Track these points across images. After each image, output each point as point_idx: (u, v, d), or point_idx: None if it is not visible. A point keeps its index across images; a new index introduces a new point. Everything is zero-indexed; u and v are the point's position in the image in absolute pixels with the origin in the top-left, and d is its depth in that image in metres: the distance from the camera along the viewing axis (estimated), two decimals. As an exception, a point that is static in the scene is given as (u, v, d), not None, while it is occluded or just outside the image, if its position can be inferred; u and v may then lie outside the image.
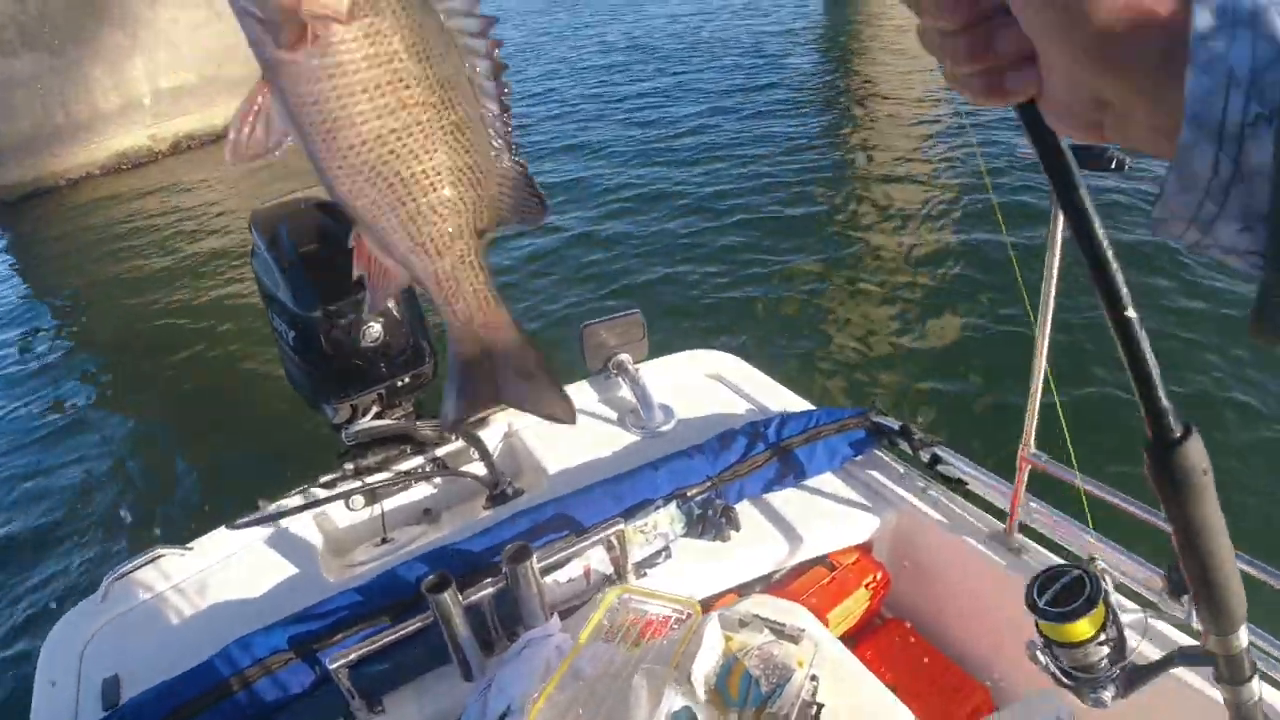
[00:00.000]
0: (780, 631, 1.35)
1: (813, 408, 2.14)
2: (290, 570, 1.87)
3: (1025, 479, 1.67)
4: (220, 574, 1.89)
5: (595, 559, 1.62)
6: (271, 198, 2.23)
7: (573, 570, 1.59)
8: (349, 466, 2.02)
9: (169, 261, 8.18)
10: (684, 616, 1.35)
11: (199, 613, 1.79)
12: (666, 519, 1.72)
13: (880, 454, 2.03)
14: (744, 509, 1.85)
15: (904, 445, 1.98)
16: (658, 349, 2.43)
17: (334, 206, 2.17)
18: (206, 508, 4.18)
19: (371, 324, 1.95)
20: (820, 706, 1.27)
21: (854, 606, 1.86)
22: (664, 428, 2.14)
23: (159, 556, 1.94)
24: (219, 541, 1.97)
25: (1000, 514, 1.77)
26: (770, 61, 12.66)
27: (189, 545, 1.97)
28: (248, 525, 1.94)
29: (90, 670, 1.68)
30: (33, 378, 6.45)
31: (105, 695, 1.58)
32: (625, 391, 2.28)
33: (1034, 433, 1.60)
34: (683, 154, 8.75)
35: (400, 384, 2.01)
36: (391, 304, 1.99)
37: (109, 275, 8.39)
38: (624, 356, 2.29)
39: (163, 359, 6.16)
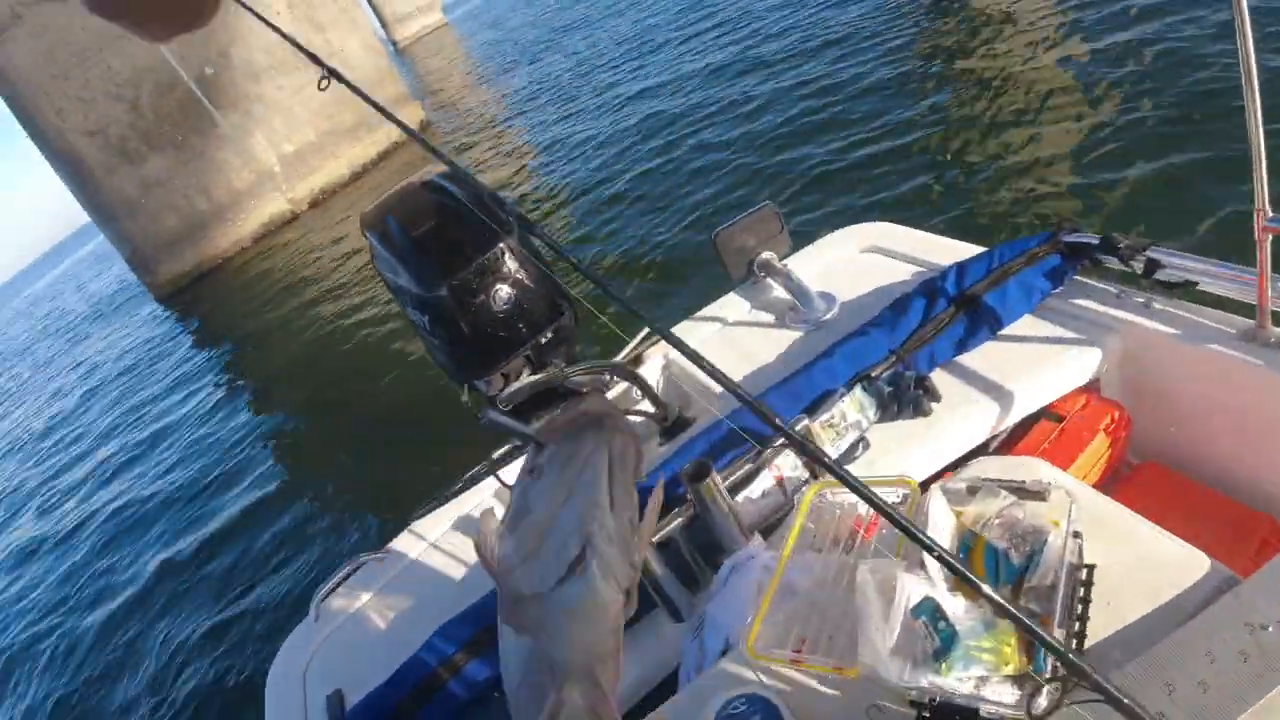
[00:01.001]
0: (1021, 490, 1.13)
1: (985, 249, 1.87)
2: None
3: (1269, 254, 1.32)
4: (419, 570, 1.86)
5: (786, 467, 1.45)
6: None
7: (764, 483, 1.42)
8: (514, 439, 1.93)
9: (323, 295, 8.60)
10: (900, 499, 1.14)
11: (405, 612, 1.76)
12: (854, 406, 1.52)
13: (1083, 279, 1.73)
14: (940, 376, 1.61)
15: (1110, 260, 1.67)
16: (800, 239, 2.21)
17: (436, 183, 2.07)
18: (393, 511, 4.29)
19: (499, 287, 1.83)
20: (1091, 568, 1.05)
21: (1094, 457, 1.58)
22: (828, 316, 1.93)
23: (360, 565, 1.93)
24: (411, 540, 1.94)
25: (1247, 309, 1.44)
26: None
27: (384, 550, 1.94)
28: (429, 512, 1.89)
29: (314, 691, 1.66)
30: (223, 424, 6.91)
31: (330, 711, 1.55)
32: (778, 291, 2.07)
33: (1266, 193, 1.29)
34: (770, 59, 8.43)
35: (544, 340, 1.89)
36: (512, 261, 1.87)
37: (275, 321, 8.90)
38: (767, 254, 2.09)
39: (329, 382, 6.46)
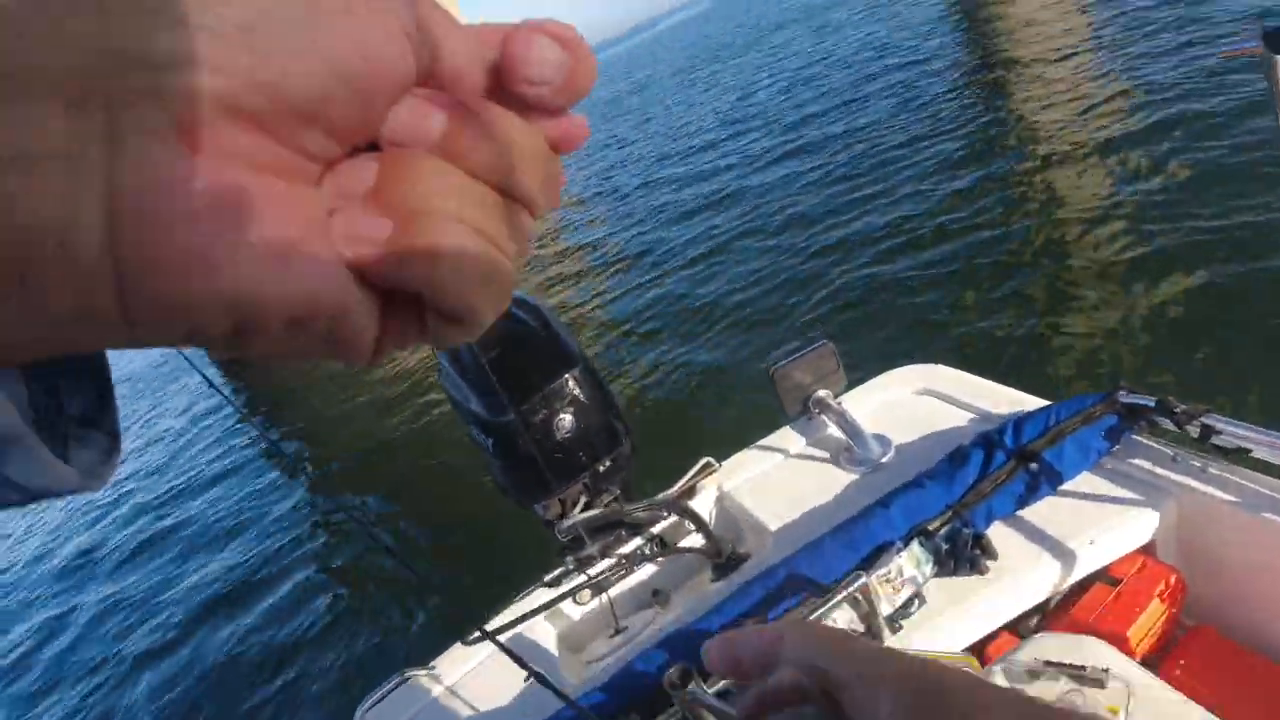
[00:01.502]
0: (1080, 676, 1.14)
1: (1047, 403, 1.89)
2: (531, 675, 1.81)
3: None
4: (466, 689, 1.86)
5: (842, 620, 1.46)
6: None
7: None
8: (570, 561, 1.95)
9: (390, 382, 8.66)
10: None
11: None
12: (911, 561, 1.53)
13: (1140, 439, 1.74)
14: (996, 533, 1.62)
15: (1166, 423, 1.68)
16: (856, 377, 2.24)
17: (510, 311, 2.15)
18: (442, 622, 4.26)
19: (563, 415, 1.88)
20: (1150, 761, 1.05)
21: (1150, 622, 1.57)
22: (883, 459, 1.95)
23: (407, 679, 1.94)
24: (461, 657, 1.95)
25: (1304, 478, 1.46)
26: (914, 79, 12.22)
27: (432, 664, 1.96)
28: (482, 640, 1.90)
29: None
30: (271, 503, 6.92)
31: None
32: (832, 429, 2.10)
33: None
34: (837, 182, 8.51)
35: (602, 469, 1.93)
36: (577, 390, 1.93)
37: (339, 402, 9.00)
38: (822, 392, 2.12)
39: (385, 475, 6.45)
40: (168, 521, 7.94)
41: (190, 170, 0.24)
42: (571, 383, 1.88)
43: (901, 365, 2.31)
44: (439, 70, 0.29)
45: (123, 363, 18.50)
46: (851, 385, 2.21)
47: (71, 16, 0.23)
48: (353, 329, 0.28)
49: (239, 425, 9.99)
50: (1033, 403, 1.96)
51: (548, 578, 1.96)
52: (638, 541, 2.00)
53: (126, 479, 10.06)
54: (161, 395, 14.09)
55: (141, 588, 6.70)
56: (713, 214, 9.22)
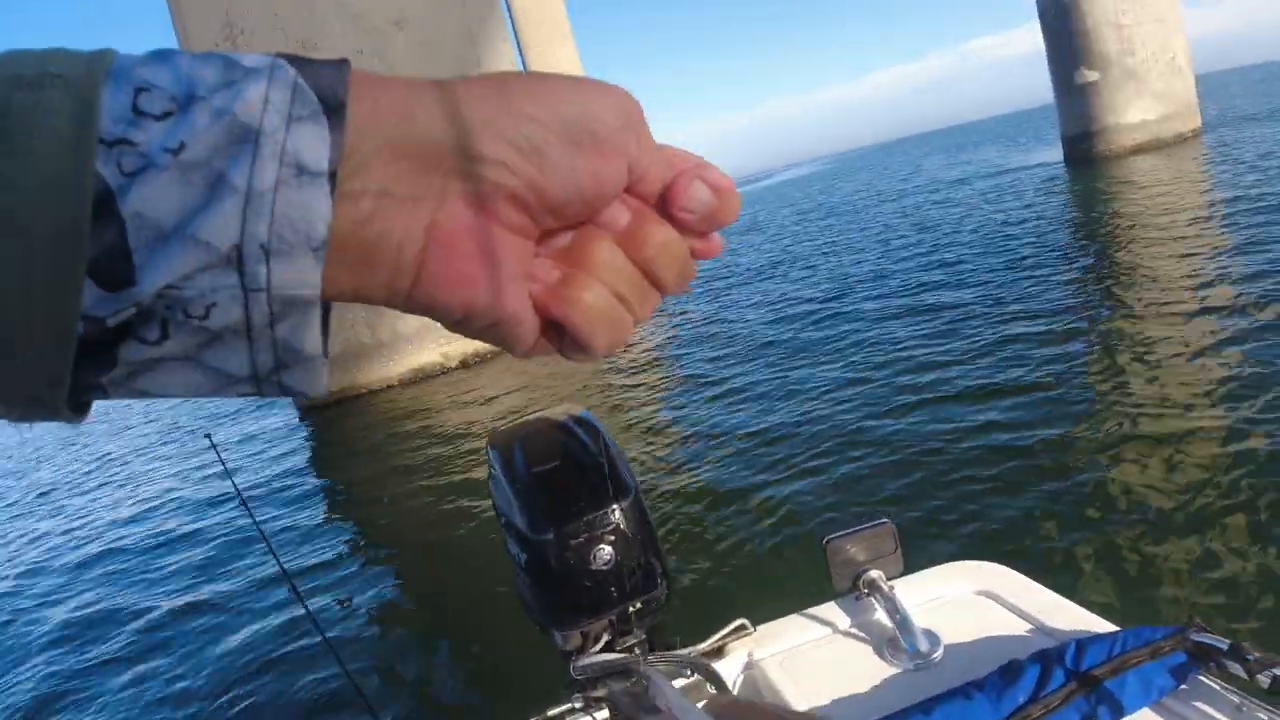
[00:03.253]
0: None
1: (1114, 628, 1.72)
2: None
3: None
4: None
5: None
6: (517, 417, 2.19)
7: None
8: (577, 699, 1.83)
9: (446, 458, 8.70)
10: None
11: None
12: (943, 785, 1.37)
13: (1206, 680, 1.57)
14: (1040, 766, 1.45)
15: (1236, 668, 1.51)
16: (914, 563, 2.09)
17: (569, 426, 2.09)
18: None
19: (602, 546, 1.79)
20: None
21: None
22: (931, 657, 1.79)
23: None
24: None
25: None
26: (1015, 247, 12.17)
27: None
28: None
29: None
30: (310, 552, 6.87)
31: None
32: (880, 614, 1.95)
33: None
34: (927, 349, 8.38)
35: (632, 610, 1.81)
36: (622, 522, 1.84)
37: (394, 466, 9.09)
38: (875, 573, 1.97)
39: (408, 557, 6.37)
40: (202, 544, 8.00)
41: (476, 225, 0.42)
42: (619, 514, 1.78)
43: (963, 559, 2.15)
44: (637, 185, 0.47)
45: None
46: (908, 571, 2.06)
47: (438, 121, 0.41)
48: (521, 335, 0.46)
49: (309, 469, 10.13)
50: (1098, 624, 1.78)
51: (551, 712, 1.84)
52: (654, 696, 1.86)
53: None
54: (244, 424, 14.47)
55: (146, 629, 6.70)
56: (798, 359, 9.16)
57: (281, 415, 14.24)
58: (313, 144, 0.37)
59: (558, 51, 31.73)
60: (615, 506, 1.82)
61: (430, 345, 13.33)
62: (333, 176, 0.38)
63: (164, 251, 0.36)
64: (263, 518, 8.29)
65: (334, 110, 0.37)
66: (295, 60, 0.38)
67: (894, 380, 7.54)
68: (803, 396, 7.71)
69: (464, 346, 13.42)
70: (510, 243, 0.44)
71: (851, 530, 2.00)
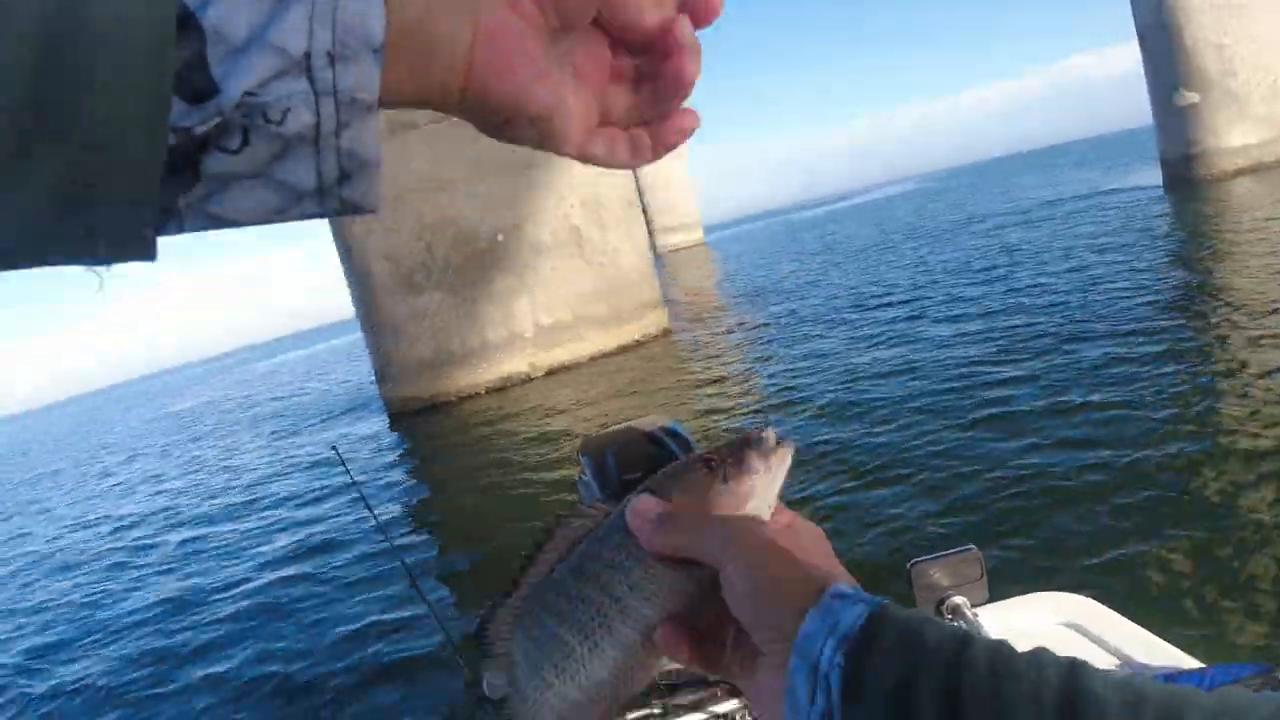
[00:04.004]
0: None
1: (1200, 664, 1.67)
2: None
3: None
4: None
5: None
6: (604, 426, 2.23)
7: None
8: (655, 706, 1.85)
9: (533, 465, 8.80)
10: None
11: None
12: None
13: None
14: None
15: None
16: (999, 591, 2.06)
17: (659, 437, 2.12)
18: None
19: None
20: None
21: None
22: (1013, 688, 1.75)
23: None
24: None
25: None
26: (1110, 270, 11.78)
27: None
28: None
29: None
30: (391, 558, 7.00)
31: None
32: (963, 640, 1.92)
33: None
34: (1017, 371, 8.15)
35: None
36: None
37: (481, 470, 9.23)
38: (959, 599, 1.94)
39: (493, 555, 6.43)
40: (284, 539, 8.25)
41: (512, 23, 0.48)
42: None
43: (1049, 589, 2.11)
44: None
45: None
46: (993, 599, 2.02)
47: None
48: (563, 128, 0.52)
49: (399, 471, 10.37)
50: (1184, 660, 1.75)
51: (631, 716, 1.86)
52: (733, 704, 1.87)
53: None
54: (335, 424, 14.91)
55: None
56: (882, 378, 9.01)
57: (372, 423, 14.65)
58: None
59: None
60: (698, 517, 1.84)
61: (518, 355, 13.54)
62: None
63: (244, 59, 0.40)
64: (361, 515, 8.56)
65: None
66: None
67: (983, 403, 7.37)
68: (887, 417, 7.58)
69: (550, 357, 13.60)
70: (543, 38, 0.49)
71: (938, 555, 1.98)
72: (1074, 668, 0.49)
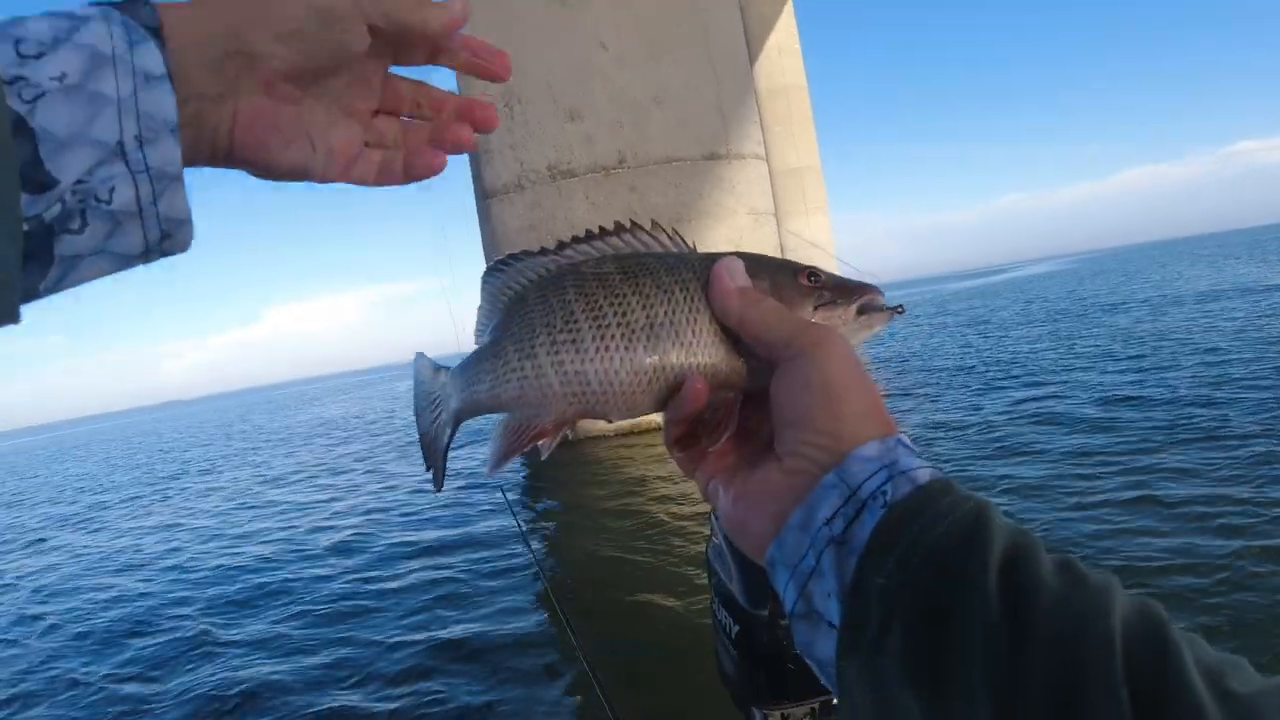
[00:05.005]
0: None
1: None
2: None
3: None
4: None
5: None
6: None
7: None
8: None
9: (652, 519, 8.76)
10: None
11: None
12: None
13: None
14: None
15: None
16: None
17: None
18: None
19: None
20: None
21: None
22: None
23: None
24: None
25: None
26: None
27: None
28: None
29: None
30: (499, 591, 7.04)
31: None
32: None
33: None
34: (1171, 465, 7.65)
35: (835, 701, 1.77)
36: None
37: (597, 514, 9.26)
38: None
39: (612, 606, 6.36)
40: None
41: (264, 106, 0.60)
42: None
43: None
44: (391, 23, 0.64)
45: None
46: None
47: (223, 37, 0.56)
48: (316, 170, 0.67)
49: (519, 506, 10.55)
50: None
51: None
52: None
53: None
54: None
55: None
56: (1022, 456, 8.62)
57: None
58: (150, 57, 0.52)
59: (799, 132, 32.09)
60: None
61: (649, 403, 13.67)
62: (170, 76, 0.53)
63: (71, 154, 0.49)
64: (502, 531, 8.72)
65: (155, 32, 0.53)
66: (115, 5, 0.53)
67: (1117, 487, 6.96)
68: (1028, 501, 7.24)
69: (678, 407, 13.65)
70: (298, 110, 0.62)
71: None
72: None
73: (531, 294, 0.74)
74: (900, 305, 0.79)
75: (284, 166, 0.63)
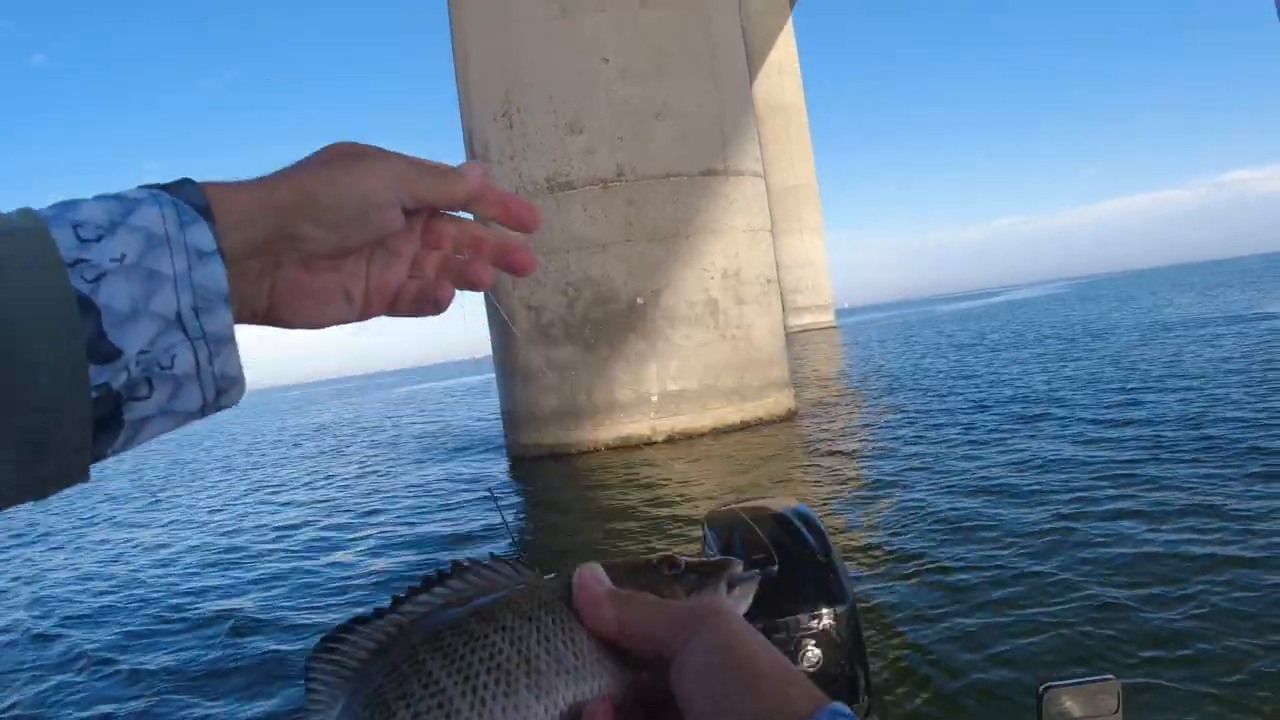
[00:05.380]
0: None
1: None
2: None
3: None
4: None
5: None
6: (730, 501, 2.21)
7: None
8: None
9: (642, 530, 8.73)
10: None
11: None
12: None
13: None
14: None
15: None
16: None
17: (790, 519, 2.09)
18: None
19: (810, 647, 1.77)
20: None
21: None
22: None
23: None
24: None
25: None
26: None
27: None
28: None
29: None
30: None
31: None
32: (1092, 779, 1.79)
33: None
34: (1168, 485, 7.66)
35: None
36: (832, 626, 1.81)
37: (589, 529, 9.21)
38: (1091, 734, 1.82)
39: None
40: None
41: (301, 280, 0.67)
42: (830, 619, 1.77)
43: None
44: (426, 205, 0.72)
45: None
46: (1129, 735, 1.88)
47: (269, 219, 0.61)
48: (351, 317, 0.73)
49: (516, 514, 10.53)
50: None
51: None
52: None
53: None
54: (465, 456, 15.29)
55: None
56: (1023, 492, 8.62)
57: (495, 462, 14.98)
58: (202, 236, 0.56)
59: (796, 150, 32.19)
60: (829, 610, 1.80)
61: (641, 417, 13.60)
62: (220, 252, 0.57)
63: (133, 326, 0.53)
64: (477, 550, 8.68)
65: (205, 212, 0.57)
66: (163, 188, 0.57)
67: (1115, 514, 6.96)
68: (1027, 531, 7.21)
69: (672, 423, 13.61)
70: (327, 278, 0.68)
71: (1073, 682, 1.86)
72: None
73: (375, 668, 0.63)
74: (760, 570, 0.74)
75: (322, 323, 0.70)
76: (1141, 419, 11.21)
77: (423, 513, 11.38)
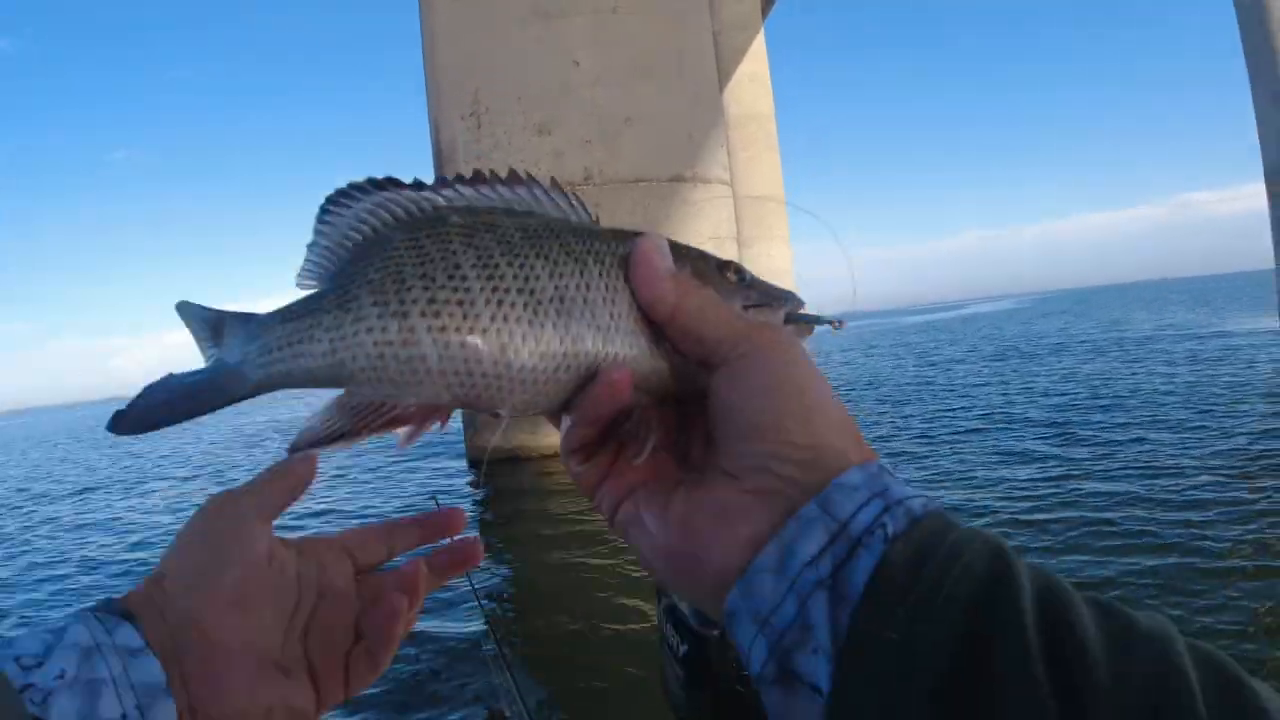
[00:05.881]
0: None
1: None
2: None
3: None
4: None
5: None
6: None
7: None
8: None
9: (597, 533, 8.71)
10: None
11: None
12: None
13: None
14: None
15: None
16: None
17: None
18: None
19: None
20: None
21: None
22: None
23: None
24: None
25: None
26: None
27: None
28: None
29: None
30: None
31: None
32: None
33: None
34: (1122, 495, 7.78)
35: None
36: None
37: (545, 529, 9.18)
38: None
39: (553, 621, 6.29)
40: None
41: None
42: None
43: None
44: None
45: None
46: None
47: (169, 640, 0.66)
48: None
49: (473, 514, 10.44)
50: None
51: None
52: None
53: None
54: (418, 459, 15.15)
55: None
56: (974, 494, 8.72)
57: (454, 465, 14.87)
58: (129, 635, 0.62)
59: (764, 159, 32.41)
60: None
61: (602, 419, 13.58)
62: (147, 646, 0.63)
63: None
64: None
65: (128, 617, 0.63)
66: (89, 609, 0.63)
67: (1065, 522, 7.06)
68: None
69: (635, 425, 13.60)
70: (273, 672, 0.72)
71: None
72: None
73: (399, 235, 0.56)
74: (840, 319, 0.69)
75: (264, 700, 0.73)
76: (1088, 436, 11.40)
77: (368, 518, 11.24)
